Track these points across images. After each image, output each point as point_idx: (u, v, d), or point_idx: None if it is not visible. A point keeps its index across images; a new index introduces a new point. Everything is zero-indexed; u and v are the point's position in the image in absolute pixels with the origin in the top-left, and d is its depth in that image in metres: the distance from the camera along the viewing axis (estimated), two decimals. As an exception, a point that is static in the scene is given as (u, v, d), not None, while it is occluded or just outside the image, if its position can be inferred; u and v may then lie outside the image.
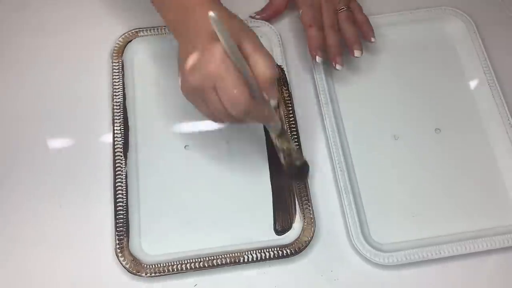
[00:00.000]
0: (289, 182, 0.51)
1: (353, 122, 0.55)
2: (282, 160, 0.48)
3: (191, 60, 0.40)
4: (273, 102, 0.43)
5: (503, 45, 0.60)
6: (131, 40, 0.57)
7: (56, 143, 0.54)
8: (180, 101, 0.55)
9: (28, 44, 0.58)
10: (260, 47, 0.41)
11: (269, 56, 0.41)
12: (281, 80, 0.56)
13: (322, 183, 0.52)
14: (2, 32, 0.59)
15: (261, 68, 0.40)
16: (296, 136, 0.53)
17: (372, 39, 0.56)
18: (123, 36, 0.57)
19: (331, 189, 0.52)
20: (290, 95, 0.55)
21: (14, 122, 0.54)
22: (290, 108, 0.55)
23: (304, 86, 0.57)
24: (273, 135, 0.48)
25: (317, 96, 0.56)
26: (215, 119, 0.45)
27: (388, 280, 0.49)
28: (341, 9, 0.56)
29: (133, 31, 0.58)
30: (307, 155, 0.53)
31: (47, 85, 0.56)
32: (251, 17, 0.60)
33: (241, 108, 0.40)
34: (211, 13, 0.35)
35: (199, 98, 0.42)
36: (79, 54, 0.57)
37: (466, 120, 0.56)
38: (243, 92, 0.39)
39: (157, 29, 0.58)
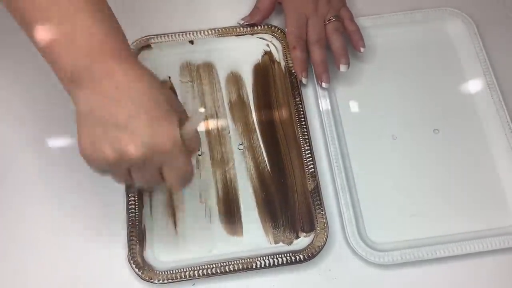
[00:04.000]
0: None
1: (352, 121, 0.55)
2: None
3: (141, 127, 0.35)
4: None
5: (503, 46, 0.59)
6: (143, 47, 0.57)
7: (66, 147, 0.54)
8: (191, 105, 0.56)
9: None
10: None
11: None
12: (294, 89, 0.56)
13: (320, 181, 0.52)
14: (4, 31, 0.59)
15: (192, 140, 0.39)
16: (306, 133, 0.53)
17: (362, 49, 0.55)
18: (135, 43, 0.57)
19: (329, 187, 0.52)
20: (302, 102, 0.55)
21: (17, 122, 0.55)
22: (302, 115, 0.54)
23: (303, 85, 0.57)
24: None
25: (316, 95, 0.56)
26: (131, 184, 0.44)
27: (384, 280, 0.48)
28: (329, 20, 0.56)
29: (145, 38, 0.58)
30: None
31: (52, 88, 0.56)
32: (239, 23, 0.59)
33: (189, 181, 0.41)
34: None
35: (125, 169, 0.38)
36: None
37: (464, 121, 0.56)
38: (192, 168, 0.39)
39: (169, 35, 0.58)
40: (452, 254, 0.48)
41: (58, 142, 0.55)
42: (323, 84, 0.55)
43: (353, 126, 0.55)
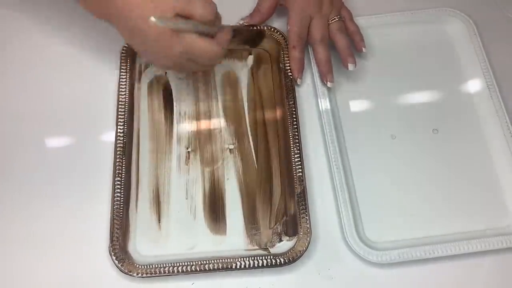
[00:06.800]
0: None
1: (351, 121, 0.55)
2: None
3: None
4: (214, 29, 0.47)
5: (503, 46, 0.59)
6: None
7: (58, 142, 0.54)
8: (185, 102, 0.56)
9: (32, 42, 0.59)
10: None
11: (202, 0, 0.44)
12: (289, 91, 0.55)
13: (319, 180, 0.52)
14: (6, 30, 0.60)
15: (199, 12, 0.43)
16: (297, 137, 0.53)
17: (363, 50, 0.56)
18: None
19: (328, 187, 0.52)
20: (295, 105, 0.54)
21: (15, 121, 0.55)
22: (294, 119, 0.54)
23: (303, 84, 0.57)
24: None
25: (316, 95, 0.56)
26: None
27: (382, 279, 0.49)
28: (332, 19, 0.56)
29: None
30: (305, 152, 0.53)
31: (50, 83, 0.57)
32: (238, 24, 0.59)
33: (217, 58, 0.47)
34: (152, 18, 0.41)
35: (182, 67, 0.48)
36: (87, 51, 0.58)
37: (463, 121, 0.56)
38: (211, 45, 0.45)
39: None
40: (450, 253, 0.48)
41: (58, 142, 0.55)
42: (329, 84, 0.55)
43: (353, 125, 0.55)
